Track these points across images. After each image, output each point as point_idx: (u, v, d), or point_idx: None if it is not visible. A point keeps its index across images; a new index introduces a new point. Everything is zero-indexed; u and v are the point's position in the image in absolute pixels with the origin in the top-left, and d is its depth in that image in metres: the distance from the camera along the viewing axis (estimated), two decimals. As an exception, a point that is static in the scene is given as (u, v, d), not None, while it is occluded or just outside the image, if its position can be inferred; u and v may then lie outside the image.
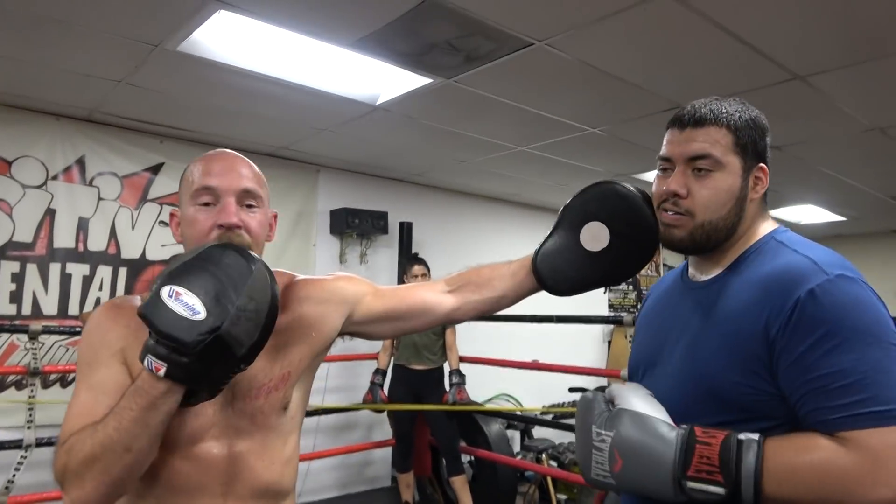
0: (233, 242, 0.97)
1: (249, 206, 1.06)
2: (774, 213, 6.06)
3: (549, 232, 1.22)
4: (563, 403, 5.96)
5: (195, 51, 2.71)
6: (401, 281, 4.48)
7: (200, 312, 0.84)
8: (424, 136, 3.96)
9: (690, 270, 1.15)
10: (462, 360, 4.26)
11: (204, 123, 3.78)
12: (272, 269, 0.95)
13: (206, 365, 0.86)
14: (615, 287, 7.31)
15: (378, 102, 3.34)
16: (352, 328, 1.23)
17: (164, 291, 0.85)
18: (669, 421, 0.96)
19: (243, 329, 0.86)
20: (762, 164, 1.06)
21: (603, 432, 0.97)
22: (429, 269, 4.14)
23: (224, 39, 2.67)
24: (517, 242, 6.36)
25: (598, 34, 2.48)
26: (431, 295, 1.24)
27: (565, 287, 1.19)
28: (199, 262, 0.89)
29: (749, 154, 1.04)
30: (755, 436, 0.89)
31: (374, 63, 2.84)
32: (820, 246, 1.00)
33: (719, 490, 0.87)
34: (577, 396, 5.92)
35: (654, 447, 0.91)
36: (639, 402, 0.99)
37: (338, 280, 1.24)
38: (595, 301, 6.95)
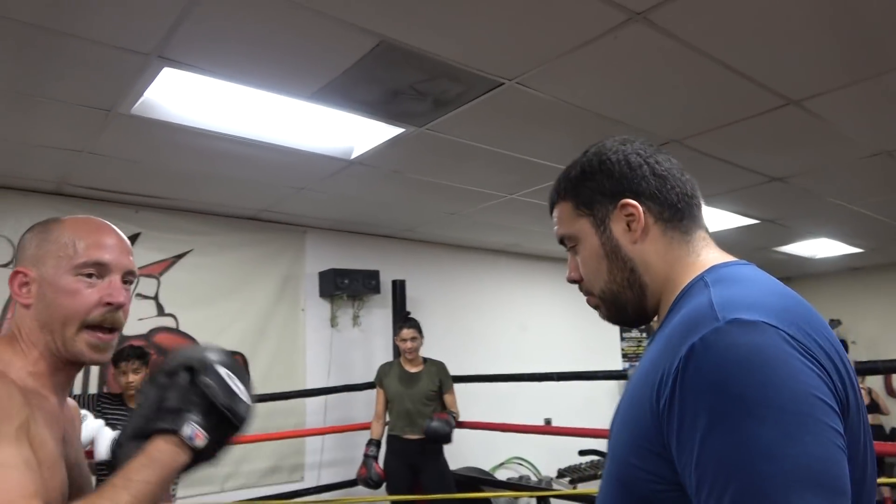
0: (117, 322, 1.04)
1: (127, 283, 1.08)
2: (787, 248, 5.79)
3: None
4: (581, 465, 5.59)
5: (150, 113, 2.59)
6: (394, 343, 4.23)
7: (246, 395, 1.02)
8: (408, 189, 3.79)
9: None
10: (465, 425, 3.97)
11: (178, 189, 3.66)
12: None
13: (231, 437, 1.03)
14: (628, 334, 6.99)
15: (353, 156, 3.19)
16: None
17: (223, 372, 1.00)
18: None
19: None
20: (624, 200, 0.87)
21: None
22: (420, 331, 3.88)
23: (179, 99, 2.55)
24: (518, 295, 6.16)
25: (568, 68, 2.32)
26: None
27: None
28: (229, 356, 1.05)
29: (597, 204, 0.90)
30: None
31: (340, 115, 2.70)
32: (753, 280, 0.77)
33: None
34: (588, 459, 5.48)
35: None
36: None
37: None
38: (610, 348, 6.63)
